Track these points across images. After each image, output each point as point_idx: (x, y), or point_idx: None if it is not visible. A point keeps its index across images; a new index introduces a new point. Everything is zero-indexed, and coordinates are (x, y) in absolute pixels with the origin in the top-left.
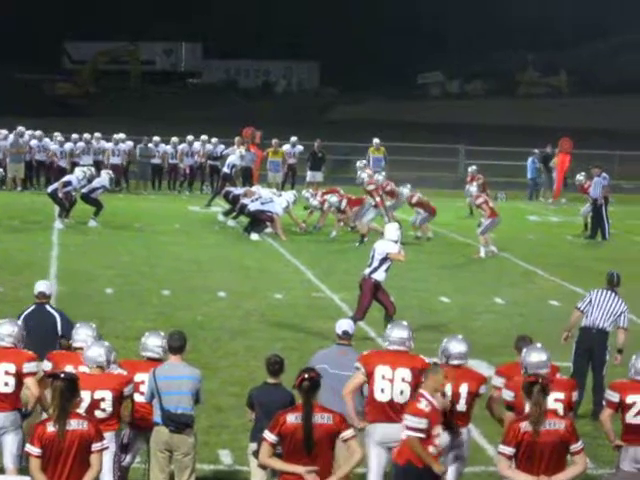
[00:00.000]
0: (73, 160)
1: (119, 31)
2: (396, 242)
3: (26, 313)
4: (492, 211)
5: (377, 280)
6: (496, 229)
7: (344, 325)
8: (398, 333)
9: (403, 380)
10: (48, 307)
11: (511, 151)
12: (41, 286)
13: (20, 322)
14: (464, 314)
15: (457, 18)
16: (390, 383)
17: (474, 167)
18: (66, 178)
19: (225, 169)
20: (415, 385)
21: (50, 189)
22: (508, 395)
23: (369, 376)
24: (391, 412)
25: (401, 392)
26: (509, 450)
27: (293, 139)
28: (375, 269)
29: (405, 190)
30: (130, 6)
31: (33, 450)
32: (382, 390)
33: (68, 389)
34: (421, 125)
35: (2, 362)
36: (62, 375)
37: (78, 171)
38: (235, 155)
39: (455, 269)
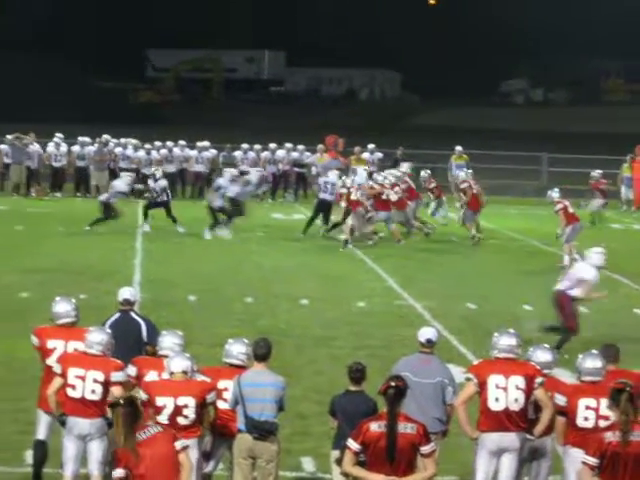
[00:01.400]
0: (157, 168)
1: (202, 39)
2: (598, 269)
3: (111, 320)
4: (572, 217)
5: (573, 295)
6: (579, 237)
7: (428, 333)
8: (507, 341)
9: (517, 388)
10: (133, 314)
11: (594, 159)
12: (125, 293)
13: (108, 330)
14: (546, 321)
15: (541, 26)
16: (504, 392)
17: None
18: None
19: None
20: (529, 392)
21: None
22: (560, 400)
23: (481, 386)
24: (506, 421)
25: (515, 400)
26: (594, 461)
27: (371, 146)
28: (569, 287)
29: (424, 174)
30: (213, 14)
31: (119, 472)
32: (497, 399)
33: (130, 413)
34: (503, 132)
35: (91, 370)
36: (122, 401)
37: (224, 179)
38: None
39: (538, 277)
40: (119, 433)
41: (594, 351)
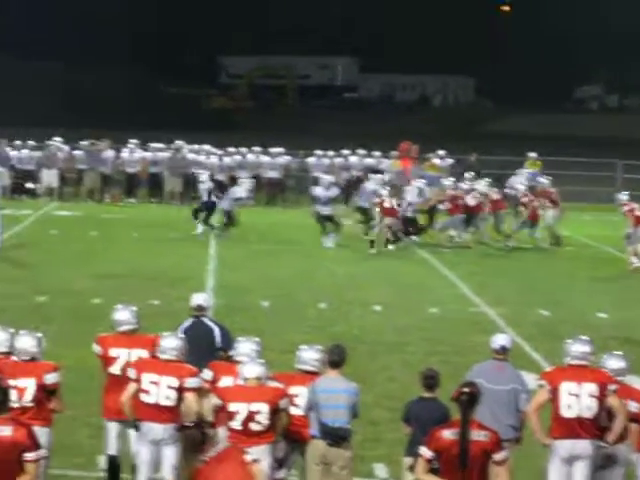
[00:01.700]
0: (231, 174)
1: (275, 46)
2: None
3: (184, 326)
4: (639, 219)
5: None
6: None
7: (501, 340)
8: (580, 348)
9: (590, 395)
10: (206, 320)
11: None
12: (198, 299)
13: (182, 335)
14: (622, 329)
15: (616, 31)
16: (577, 399)
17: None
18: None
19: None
20: (601, 400)
21: (225, 205)
22: (634, 407)
23: (554, 392)
24: (578, 428)
25: (588, 407)
26: None
27: (441, 152)
28: None
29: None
30: (286, 21)
31: None
32: (569, 406)
33: (194, 439)
34: (578, 139)
35: (165, 375)
36: (189, 424)
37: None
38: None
39: (612, 283)
40: (187, 458)
41: (616, 352)
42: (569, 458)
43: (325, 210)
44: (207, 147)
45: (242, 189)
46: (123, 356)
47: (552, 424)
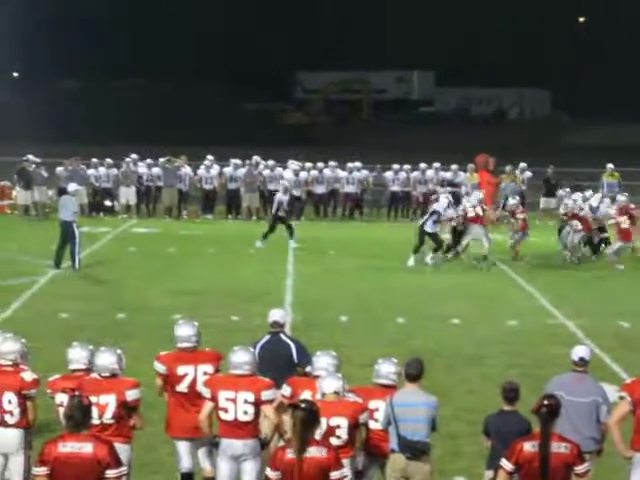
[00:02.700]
0: (308, 189)
1: (351, 59)
2: None
3: (262, 343)
4: None
5: None
6: None
7: (581, 352)
8: None
9: None
10: (283, 336)
11: None
12: (275, 315)
13: (254, 350)
14: None
15: None
16: None
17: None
18: (433, 208)
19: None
20: None
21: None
22: None
23: (635, 404)
24: None
25: None
26: None
27: (523, 165)
28: None
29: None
30: (361, 35)
31: (272, 474)
32: None
33: (308, 419)
34: None
35: (241, 390)
36: (303, 405)
37: (443, 199)
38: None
39: None
40: (295, 437)
41: None
42: None
43: (430, 228)
44: (296, 163)
45: None
46: (190, 373)
47: (633, 436)
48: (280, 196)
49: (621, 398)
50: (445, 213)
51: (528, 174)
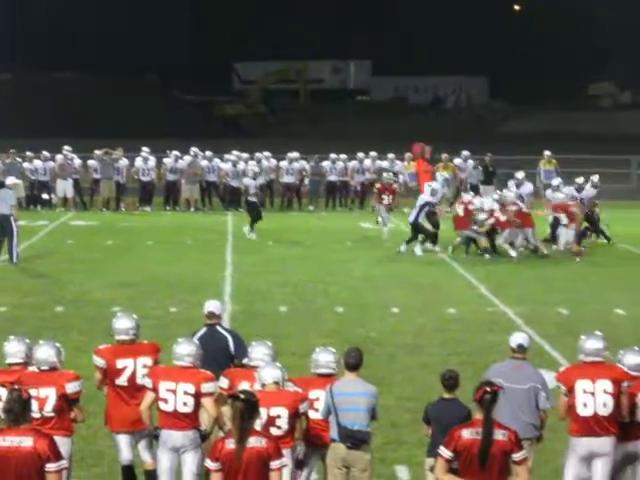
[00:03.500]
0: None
1: (288, 50)
2: None
3: (198, 335)
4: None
5: None
6: None
7: (519, 339)
8: (593, 344)
9: (605, 392)
10: (219, 328)
11: None
12: (211, 306)
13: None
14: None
15: (624, 26)
16: (592, 396)
17: None
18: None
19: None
20: (617, 396)
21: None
22: None
23: (570, 392)
24: (595, 426)
25: (604, 404)
26: None
27: (466, 153)
28: None
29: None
30: (298, 25)
31: (211, 465)
32: (585, 404)
33: (248, 410)
34: (593, 136)
35: (181, 382)
36: (242, 396)
37: (426, 187)
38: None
39: (630, 280)
40: (234, 428)
41: (635, 348)
42: (587, 456)
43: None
44: (235, 153)
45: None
46: (130, 366)
47: (570, 422)
48: (247, 181)
49: (558, 388)
50: (436, 199)
51: (471, 162)
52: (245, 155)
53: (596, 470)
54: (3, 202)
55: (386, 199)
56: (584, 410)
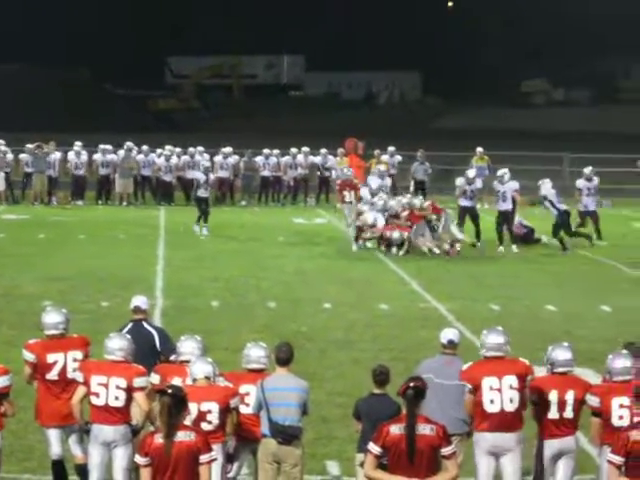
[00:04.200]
0: (178, 174)
1: (221, 45)
2: None
3: (124, 331)
4: None
5: None
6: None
7: (450, 334)
8: (495, 339)
9: (511, 387)
10: (145, 324)
11: (617, 158)
12: (137, 300)
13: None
14: (570, 322)
15: (557, 24)
16: (499, 393)
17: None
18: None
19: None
20: (522, 390)
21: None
22: (594, 401)
23: (476, 389)
24: (501, 422)
25: (510, 400)
26: (619, 459)
27: (391, 149)
28: None
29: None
30: (231, 20)
31: (141, 460)
32: (492, 401)
33: (175, 405)
34: (526, 133)
35: (113, 376)
36: (170, 391)
37: (363, 188)
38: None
39: (560, 276)
40: (162, 423)
41: (623, 351)
42: (493, 451)
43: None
44: (169, 147)
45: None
46: (60, 360)
47: (476, 418)
48: (197, 174)
49: (462, 385)
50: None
51: (398, 158)
52: (178, 149)
53: (506, 466)
54: None
55: (347, 195)
56: (491, 407)
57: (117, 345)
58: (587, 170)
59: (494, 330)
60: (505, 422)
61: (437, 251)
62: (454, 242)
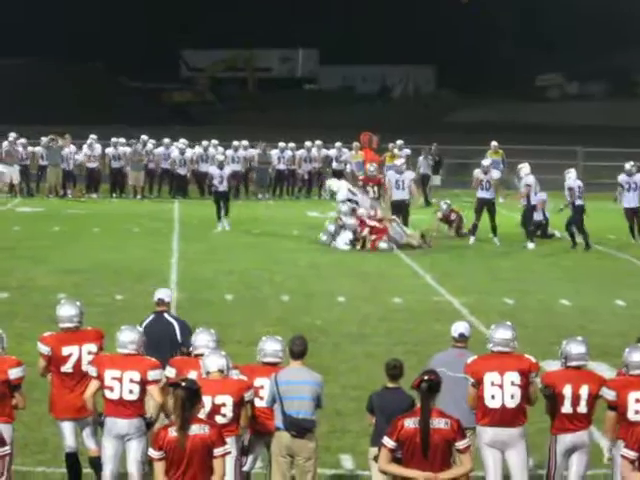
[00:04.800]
0: (193, 168)
1: (236, 38)
2: None
3: (146, 322)
4: None
5: None
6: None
7: (460, 328)
8: (502, 334)
9: (512, 384)
10: (167, 315)
11: (631, 152)
12: (160, 293)
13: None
14: (584, 316)
15: (572, 18)
16: (500, 389)
17: None
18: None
19: None
20: (525, 387)
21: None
22: (610, 395)
23: (478, 383)
24: (502, 417)
25: (512, 396)
26: (633, 454)
27: (399, 142)
28: None
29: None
30: (246, 13)
31: (155, 454)
32: (493, 396)
33: (189, 398)
34: (540, 127)
35: (127, 370)
36: (183, 384)
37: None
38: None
39: (575, 271)
40: (176, 416)
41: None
42: (496, 444)
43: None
44: (183, 140)
45: None
46: (75, 353)
47: (478, 412)
48: (211, 169)
49: (465, 379)
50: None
51: (407, 151)
52: (185, 142)
53: (510, 459)
54: None
55: (371, 191)
56: (492, 402)
57: (129, 338)
58: (628, 165)
59: (502, 325)
60: (506, 418)
61: (416, 243)
62: (423, 237)
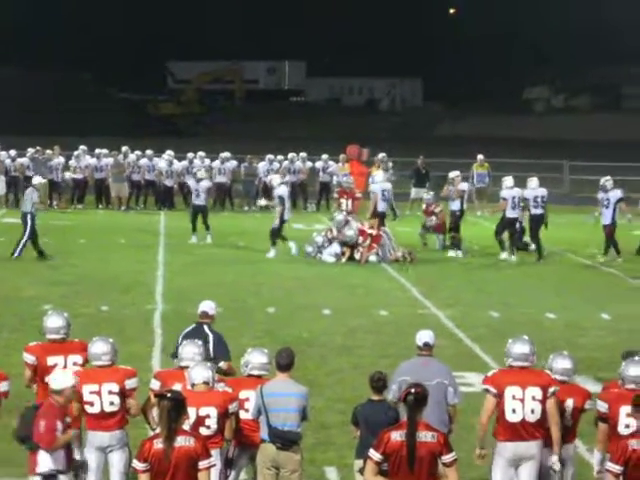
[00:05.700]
0: (179, 180)
1: (222, 50)
2: None
3: (185, 331)
4: None
5: None
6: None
7: (425, 337)
8: (520, 349)
9: (534, 399)
10: (206, 328)
11: (617, 166)
12: (204, 306)
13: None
14: (570, 330)
15: (559, 32)
16: (521, 403)
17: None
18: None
19: None
20: (544, 402)
21: None
22: (602, 407)
23: (499, 396)
24: (522, 431)
25: (532, 411)
26: (617, 468)
27: (382, 155)
28: None
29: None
30: (233, 25)
31: (139, 466)
32: (514, 410)
33: (175, 409)
34: (526, 141)
35: (104, 382)
36: (169, 395)
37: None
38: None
39: (561, 284)
40: (162, 427)
41: (636, 358)
42: (514, 459)
43: None
44: (169, 152)
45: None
46: (60, 364)
47: (497, 426)
48: (190, 182)
49: (486, 391)
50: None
51: (389, 164)
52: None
53: (522, 473)
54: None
55: (344, 204)
56: (512, 416)
57: (101, 350)
58: (602, 180)
59: (520, 339)
60: (525, 431)
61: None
62: (409, 252)
